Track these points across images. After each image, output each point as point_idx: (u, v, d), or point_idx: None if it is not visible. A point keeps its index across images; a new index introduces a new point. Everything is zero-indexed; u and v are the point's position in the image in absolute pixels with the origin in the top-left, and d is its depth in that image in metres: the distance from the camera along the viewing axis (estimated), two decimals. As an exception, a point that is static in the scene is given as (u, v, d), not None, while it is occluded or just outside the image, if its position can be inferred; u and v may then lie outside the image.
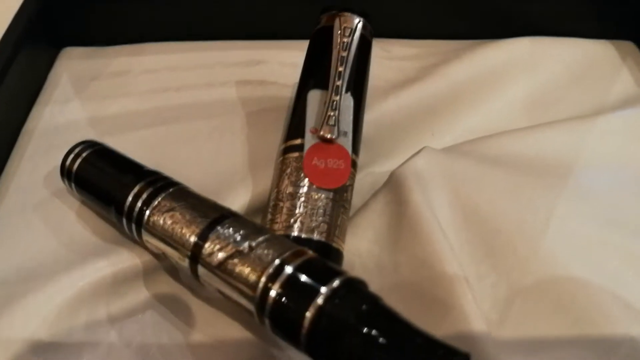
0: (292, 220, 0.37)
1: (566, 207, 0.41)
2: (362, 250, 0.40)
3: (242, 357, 0.36)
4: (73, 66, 0.57)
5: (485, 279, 0.39)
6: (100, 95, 0.54)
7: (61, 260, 0.40)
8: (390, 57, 0.57)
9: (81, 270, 0.38)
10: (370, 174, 0.46)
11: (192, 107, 0.51)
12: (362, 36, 0.41)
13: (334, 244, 0.37)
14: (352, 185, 0.39)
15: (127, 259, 0.39)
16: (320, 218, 0.37)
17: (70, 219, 0.43)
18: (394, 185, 0.41)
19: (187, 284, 0.40)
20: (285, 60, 0.57)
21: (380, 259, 0.39)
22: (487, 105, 0.53)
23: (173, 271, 0.40)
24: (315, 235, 0.37)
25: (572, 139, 0.46)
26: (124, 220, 0.38)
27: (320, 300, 0.30)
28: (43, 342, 0.36)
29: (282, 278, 0.31)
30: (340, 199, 0.38)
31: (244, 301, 0.32)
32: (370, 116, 0.45)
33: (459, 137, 0.49)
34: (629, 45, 0.58)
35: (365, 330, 0.29)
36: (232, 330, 0.37)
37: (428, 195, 0.40)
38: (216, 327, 0.38)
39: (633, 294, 0.37)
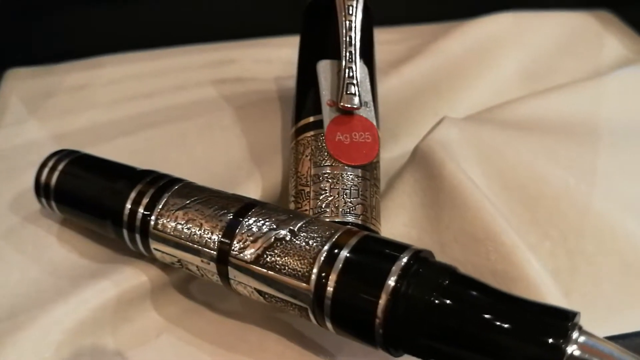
0: (323, 204, 0.32)
1: (608, 164, 0.38)
2: (397, 235, 0.35)
3: (288, 370, 0.30)
4: (22, 86, 0.51)
5: (539, 248, 0.35)
6: (59, 111, 0.48)
7: (48, 290, 0.34)
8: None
9: (77, 296, 0.32)
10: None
11: (171, 109, 0.46)
12: (365, 3, 0.37)
13: (373, 227, 0.33)
14: (379, 162, 0.35)
15: (131, 276, 0.33)
16: (354, 199, 0.32)
17: (50, 243, 0.37)
18: (420, 161, 0.37)
19: (203, 299, 0.34)
20: (258, 57, 0.53)
21: (421, 242, 0.35)
22: (482, 80, 0.50)
23: (184, 286, 0.35)
24: (350, 218, 0.32)
25: (586, 98, 0.44)
26: (125, 232, 0.32)
27: (392, 282, 0.25)
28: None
29: (338, 264, 0.26)
30: (371, 176, 0.34)
31: (294, 299, 0.27)
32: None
33: (462, 113, 0.46)
34: (606, 14, 0.58)
35: (455, 307, 0.24)
36: (269, 342, 0.32)
37: (460, 165, 0.36)
38: (249, 341, 0.32)
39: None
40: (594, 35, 0.55)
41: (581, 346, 0.22)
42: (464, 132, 0.38)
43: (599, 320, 0.33)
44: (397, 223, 0.36)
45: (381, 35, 0.54)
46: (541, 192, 0.36)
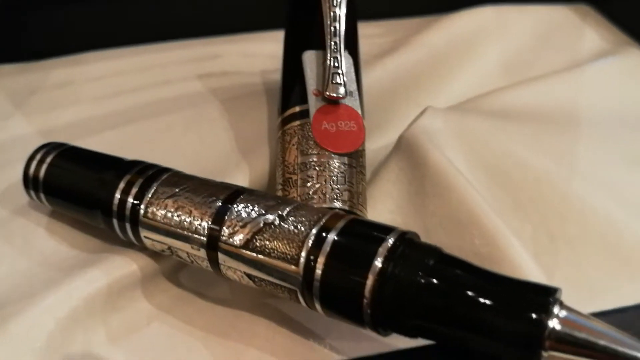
0: (310, 191, 0.33)
1: (588, 150, 0.39)
2: (383, 222, 0.36)
3: (278, 353, 0.31)
4: (5, 83, 0.51)
5: (521, 232, 0.36)
6: (45, 107, 0.48)
7: (38, 280, 0.34)
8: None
9: (68, 285, 0.32)
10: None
11: (157, 104, 0.46)
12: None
13: (359, 212, 0.33)
14: (364, 150, 0.36)
15: (121, 265, 0.33)
16: (341, 186, 0.33)
17: (40, 235, 0.37)
18: (405, 150, 0.37)
19: (192, 287, 0.35)
20: (243, 52, 0.53)
21: (407, 228, 0.35)
22: (465, 72, 0.51)
23: (174, 275, 0.35)
24: (337, 204, 0.32)
25: (566, 88, 0.45)
26: (115, 222, 0.33)
27: (378, 263, 0.26)
28: (35, 374, 0.30)
29: (326, 247, 0.27)
30: (357, 164, 0.34)
31: (283, 281, 0.28)
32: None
33: (445, 104, 0.46)
34: (585, 7, 0.59)
35: (441, 286, 0.25)
36: (259, 328, 0.32)
37: (444, 153, 0.36)
38: (240, 327, 0.32)
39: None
40: (574, 28, 0.56)
41: (562, 320, 0.23)
42: (447, 122, 0.39)
43: (581, 301, 0.33)
44: (383, 210, 0.37)
45: (365, 29, 0.54)
46: (523, 178, 0.37)
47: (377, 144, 0.43)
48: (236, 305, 0.33)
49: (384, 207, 0.37)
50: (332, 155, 0.33)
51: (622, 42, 0.53)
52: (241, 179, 0.37)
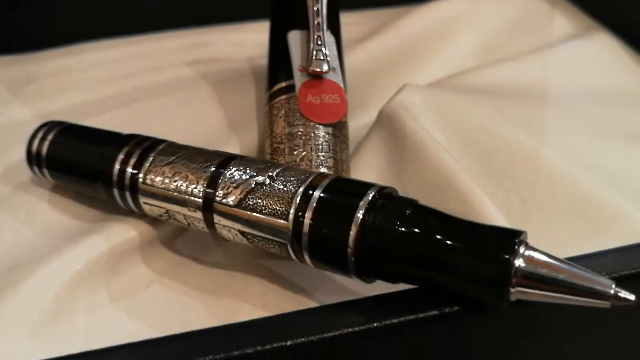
0: (297, 159, 0.35)
1: (556, 123, 0.41)
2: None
3: (270, 308, 0.33)
4: (3, 73, 0.53)
5: (494, 196, 0.38)
6: (42, 94, 0.50)
7: (42, 248, 0.36)
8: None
9: (71, 251, 0.34)
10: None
11: (149, 88, 0.49)
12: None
13: (343, 179, 0.36)
14: (347, 122, 0.38)
15: (121, 232, 0.35)
16: (325, 153, 0.35)
17: (43, 208, 0.39)
18: (385, 122, 0.40)
19: (189, 253, 0.37)
20: (230, 40, 0.56)
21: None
22: (441, 56, 0.53)
23: (171, 241, 0.37)
24: (323, 170, 0.35)
25: (537, 67, 0.48)
26: (115, 191, 0.35)
27: (360, 215, 0.28)
28: (42, 331, 0.32)
29: (313, 203, 0.29)
30: (340, 134, 0.37)
31: (274, 236, 0.30)
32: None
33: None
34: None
35: (418, 233, 0.27)
36: (252, 286, 0.35)
37: (421, 125, 0.39)
38: (234, 286, 0.35)
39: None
40: (544, 15, 0.58)
41: (527, 259, 0.26)
42: (425, 97, 0.41)
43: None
44: (365, 178, 0.38)
45: (346, 18, 0.57)
46: (495, 147, 0.40)
47: (358, 123, 0.45)
48: (230, 267, 0.36)
49: (365, 174, 0.39)
50: (317, 125, 0.36)
51: (590, 26, 0.56)
52: (232, 151, 0.39)
